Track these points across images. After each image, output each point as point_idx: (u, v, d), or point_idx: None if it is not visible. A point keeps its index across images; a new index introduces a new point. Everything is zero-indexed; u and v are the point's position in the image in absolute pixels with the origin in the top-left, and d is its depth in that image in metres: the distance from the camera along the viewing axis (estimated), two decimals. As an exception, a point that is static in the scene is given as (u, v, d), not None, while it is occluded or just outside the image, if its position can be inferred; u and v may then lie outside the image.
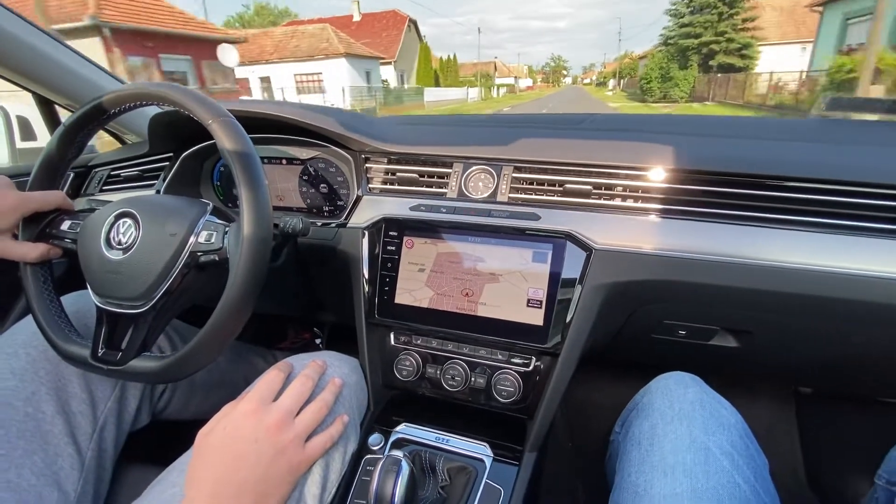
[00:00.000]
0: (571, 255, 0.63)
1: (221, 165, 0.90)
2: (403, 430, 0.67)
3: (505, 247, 0.66)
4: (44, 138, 0.97)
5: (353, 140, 0.76)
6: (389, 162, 0.76)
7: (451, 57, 41.29)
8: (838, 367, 0.77)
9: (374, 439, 0.65)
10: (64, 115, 1.02)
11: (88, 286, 0.58)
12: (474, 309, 0.66)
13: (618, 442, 0.59)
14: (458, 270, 0.67)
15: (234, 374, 0.98)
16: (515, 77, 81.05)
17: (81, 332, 0.61)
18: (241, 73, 22.67)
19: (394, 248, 0.70)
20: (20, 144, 1.39)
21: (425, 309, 0.68)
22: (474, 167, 0.72)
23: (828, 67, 12.18)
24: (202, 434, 0.50)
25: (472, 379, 0.68)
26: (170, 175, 0.85)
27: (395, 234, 0.70)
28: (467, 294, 0.66)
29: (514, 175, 0.70)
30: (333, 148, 0.80)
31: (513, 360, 0.68)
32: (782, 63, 18.70)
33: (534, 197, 0.69)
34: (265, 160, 0.86)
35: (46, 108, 1.00)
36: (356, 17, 32.44)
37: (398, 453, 0.54)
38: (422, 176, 0.74)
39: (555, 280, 0.63)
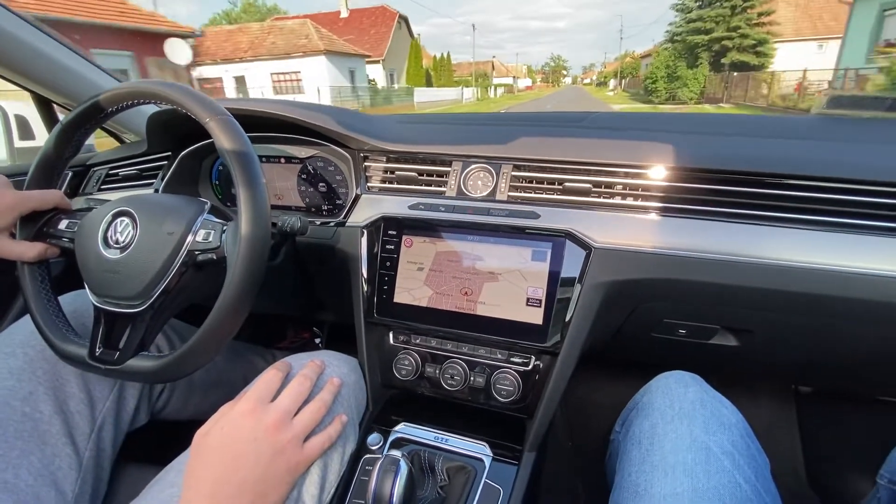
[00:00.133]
0: (571, 253, 0.63)
1: (220, 164, 0.89)
2: (402, 429, 0.67)
3: (504, 245, 0.66)
4: (42, 137, 0.97)
5: (351, 139, 0.76)
6: (388, 160, 0.76)
7: (445, 55, 39.04)
8: (839, 365, 0.77)
9: (373, 439, 0.65)
10: (62, 114, 1.02)
11: (86, 285, 0.58)
12: (473, 308, 0.66)
13: (618, 441, 0.58)
14: (457, 269, 0.67)
15: (233, 373, 0.97)
16: (514, 77, 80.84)
17: (79, 332, 0.61)
18: (214, 72, 21.66)
19: (393, 246, 0.70)
20: (18, 143, 1.39)
21: (424, 308, 0.68)
22: (473, 166, 0.72)
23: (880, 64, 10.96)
24: (200, 434, 0.50)
25: (472, 378, 0.68)
26: (168, 174, 0.84)
27: (393, 232, 0.70)
28: (466, 293, 0.66)
29: (514, 173, 0.70)
30: (332, 147, 0.79)
31: (512, 359, 0.67)
32: (797, 62, 17.63)
33: (533, 195, 0.69)
34: (263, 159, 0.85)
35: (44, 107, 1.00)
36: (343, 14, 30.92)
37: (397, 453, 0.54)
38: (421, 174, 0.74)
39: (554, 279, 0.63)
